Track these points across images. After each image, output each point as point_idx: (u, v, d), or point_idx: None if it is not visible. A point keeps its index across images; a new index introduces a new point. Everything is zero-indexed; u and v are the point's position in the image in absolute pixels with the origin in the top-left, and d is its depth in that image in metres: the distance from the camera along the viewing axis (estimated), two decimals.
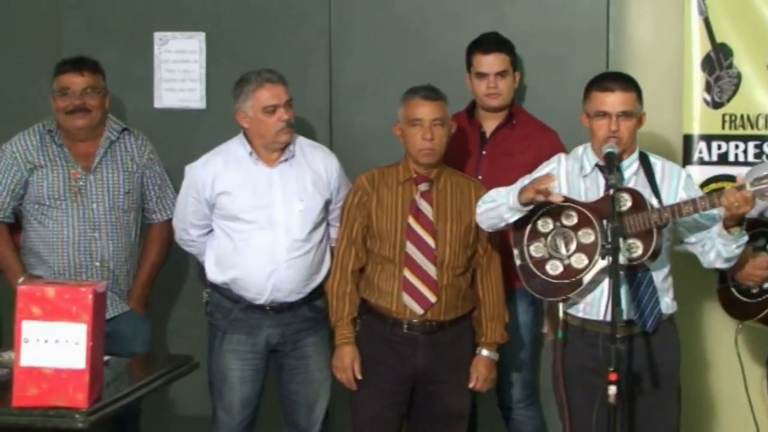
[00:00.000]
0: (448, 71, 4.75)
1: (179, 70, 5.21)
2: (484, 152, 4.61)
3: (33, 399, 3.41)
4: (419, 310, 4.18)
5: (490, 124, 4.65)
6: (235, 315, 4.43)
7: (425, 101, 4.19)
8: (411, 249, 4.19)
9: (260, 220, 4.36)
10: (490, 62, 4.58)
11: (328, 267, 4.43)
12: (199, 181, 4.43)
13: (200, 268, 4.64)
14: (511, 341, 4.46)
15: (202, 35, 5.18)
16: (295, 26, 5.13)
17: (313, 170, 4.44)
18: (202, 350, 4.51)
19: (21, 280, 4.41)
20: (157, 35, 5.22)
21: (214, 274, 4.46)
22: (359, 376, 4.25)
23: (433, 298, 4.18)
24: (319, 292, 4.45)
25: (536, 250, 4.00)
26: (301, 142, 4.52)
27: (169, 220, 4.70)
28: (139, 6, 5.26)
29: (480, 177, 4.49)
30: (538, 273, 3.99)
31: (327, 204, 4.46)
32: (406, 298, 4.18)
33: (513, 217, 3.98)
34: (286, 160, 4.42)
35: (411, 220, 4.20)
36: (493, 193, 4.06)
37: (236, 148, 4.45)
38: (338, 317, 4.27)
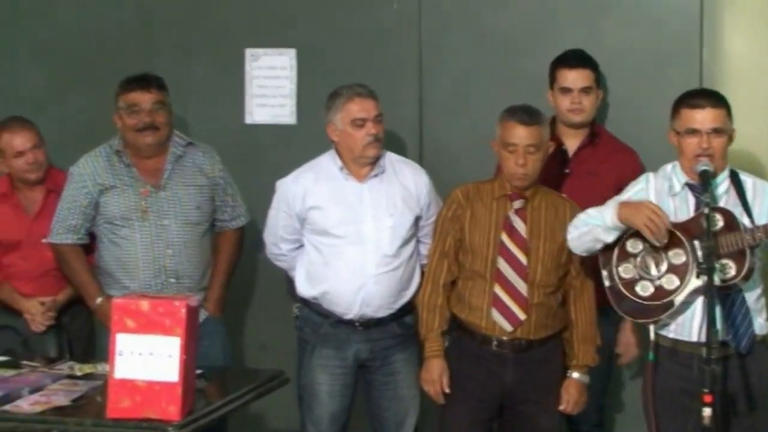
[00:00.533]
0: (537, 86, 4.73)
1: (270, 86, 5.26)
2: (567, 171, 4.60)
3: (126, 411, 3.46)
4: (508, 327, 4.17)
5: (571, 141, 4.64)
6: (325, 330, 4.47)
7: (521, 126, 4.15)
8: (503, 265, 4.17)
9: (350, 235, 4.39)
10: (575, 77, 4.58)
11: (417, 283, 4.45)
12: (290, 196, 4.48)
13: (290, 283, 4.68)
14: None
15: (293, 51, 5.23)
16: (385, 42, 5.16)
17: (404, 186, 4.46)
18: (292, 365, 4.55)
19: (98, 301, 4.54)
20: (249, 51, 5.26)
21: (304, 288, 4.50)
22: (447, 390, 4.25)
23: (522, 316, 4.16)
24: (408, 308, 4.47)
25: (625, 271, 3.97)
26: (392, 158, 4.54)
27: (241, 228, 4.79)
28: (230, 23, 5.33)
29: (564, 197, 4.47)
30: (628, 294, 3.96)
31: (417, 220, 4.47)
32: (496, 315, 4.17)
33: (611, 237, 3.95)
34: (376, 175, 4.45)
35: (504, 237, 4.19)
36: (583, 216, 4.03)
37: (327, 163, 4.49)
38: (428, 329, 4.28)
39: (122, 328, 3.45)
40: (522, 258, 4.18)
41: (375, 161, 4.45)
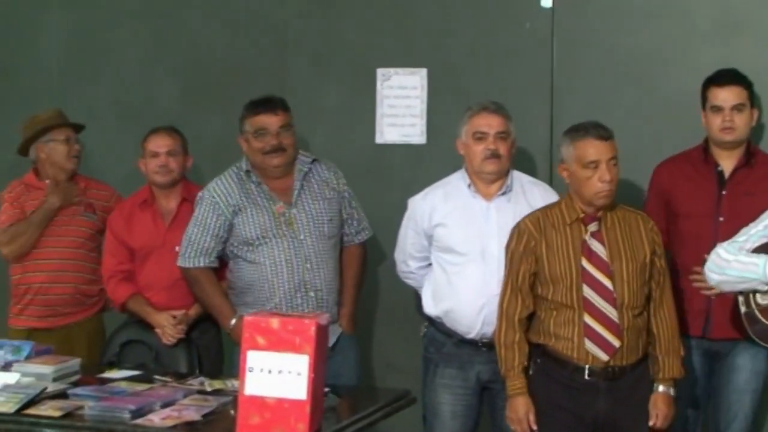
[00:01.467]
0: (672, 109, 4.73)
1: (401, 105, 5.31)
2: (724, 192, 4.54)
3: (256, 428, 3.50)
4: (604, 357, 4.08)
5: (726, 162, 4.58)
6: (448, 349, 4.49)
7: (599, 141, 4.06)
8: (588, 292, 4.09)
9: (473, 252, 4.40)
10: (726, 96, 4.52)
11: None
12: (419, 213, 4.53)
13: (418, 302, 4.72)
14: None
15: (424, 71, 5.28)
16: (517, 62, 5.17)
17: (532, 206, 4.41)
18: (417, 384, 4.58)
19: (233, 322, 4.61)
20: (380, 71, 5.33)
21: (429, 306, 4.53)
22: (535, 427, 4.17)
23: (617, 343, 4.08)
24: None
25: (763, 298, 3.97)
26: (522, 179, 4.55)
27: (365, 242, 4.86)
28: (362, 43, 5.40)
29: (721, 218, 4.46)
30: (763, 319, 3.96)
31: None
32: (590, 345, 4.08)
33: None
34: (503, 194, 4.47)
35: (584, 262, 4.11)
36: (736, 267, 3.95)
37: (457, 180, 4.52)
38: (508, 367, 4.17)
39: (253, 346, 3.50)
40: (607, 282, 4.09)
41: (498, 178, 4.46)
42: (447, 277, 4.47)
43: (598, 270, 4.10)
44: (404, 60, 5.31)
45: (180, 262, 4.72)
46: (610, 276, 4.10)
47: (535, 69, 5.14)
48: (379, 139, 5.37)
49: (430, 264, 4.58)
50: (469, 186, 4.46)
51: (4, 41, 5.99)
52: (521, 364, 4.17)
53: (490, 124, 4.41)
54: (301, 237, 4.63)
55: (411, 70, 5.31)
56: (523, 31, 5.17)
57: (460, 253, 4.43)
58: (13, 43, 5.96)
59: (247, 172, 4.69)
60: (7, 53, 5.97)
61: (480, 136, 4.40)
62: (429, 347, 4.58)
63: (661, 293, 4.21)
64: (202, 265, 4.69)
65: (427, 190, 4.59)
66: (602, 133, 4.09)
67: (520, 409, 4.17)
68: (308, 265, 4.61)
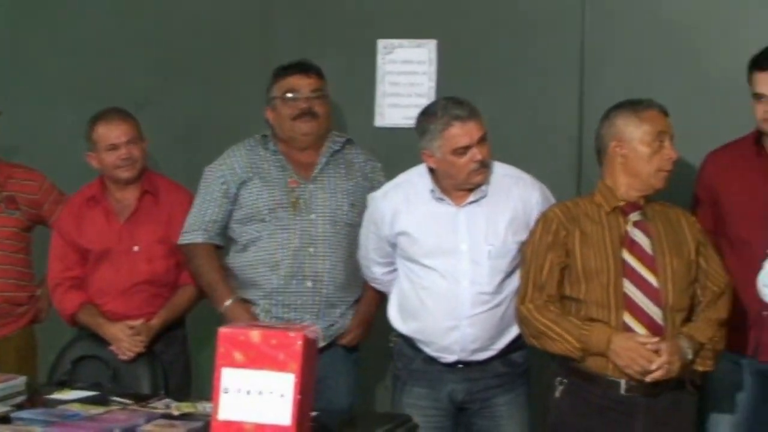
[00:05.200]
0: (725, 89, 4.65)
1: (405, 83, 5.27)
2: None
3: None
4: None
5: None
6: (417, 365, 4.47)
7: (661, 115, 4.16)
8: (630, 289, 4.06)
9: (441, 267, 4.35)
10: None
11: None
12: (379, 216, 4.49)
13: None
14: None
15: (432, 43, 5.22)
16: (541, 34, 5.11)
17: (511, 208, 4.39)
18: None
19: (227, 303, 4.63)
20: (381, 43, 5.28)
21: (397, 321, 4.51)
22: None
23: None
24: (517, 344, 4.38)
25: None
26: (498, 173, 4.45)
27: None
28: (360, 10, 5.34)
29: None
30: None
31: None
32: None
33: None
34: (476, 200, 4.40)
35: (626, 254, 4.09)
36: None
37: (418, 181, 4.47)
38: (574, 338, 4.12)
39: (229, 362, 3.39)
40: (651, 278, 4.07)
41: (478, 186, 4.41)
42: (415, 292, 4.42)
43: (642, 264, 4.08)
44: (410, 30, 5.25)
45: (179, 241, 4.76)
46: (655, 272, 4.08)
47: (564, 41, 5.07)
48: (379, 122, 5.31)
49: (396, 269, 4.54)
50: (432, 191, 4.40)
51: None
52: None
53: (471, 133, 4.31)
54: (312, 216, 4.62)
55: (418, 42, 5.24)
56: None
57: (428, 267, 4.37)
58: None
59: (264, 136, 4.72)
60: None
61: (462, 151, 4.31)
62: (397, 362, 4.56)
63: (711, 296, 4.19)
64: (200, 240, 4.71)
65: (387, 187, 4.55)
66: (660, 106, 4.15)
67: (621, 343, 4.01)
68: (311, 249, 4.60)
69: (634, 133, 4.12)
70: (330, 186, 4.66)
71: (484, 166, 4.34)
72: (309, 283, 4.58)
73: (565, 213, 4.17)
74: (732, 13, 4.89)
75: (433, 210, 4.39)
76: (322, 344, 4.47)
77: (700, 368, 4.15)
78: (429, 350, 4.40)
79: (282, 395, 3.36)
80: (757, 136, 4.50)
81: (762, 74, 4.40)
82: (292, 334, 3.38)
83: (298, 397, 3.35)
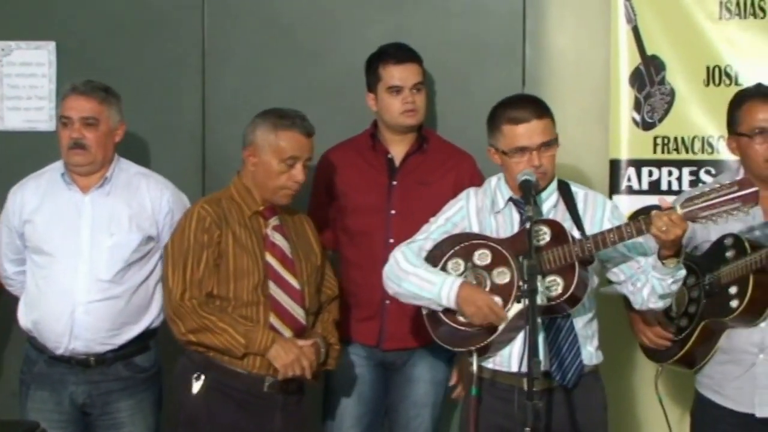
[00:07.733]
0: (341, 89, 4.75)
1: (25, 85, 5.18)
2: (394, 182, 4.58)
3: None
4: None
5: (398, 149, 4.62)
6: (40, 368, 4.43)
7: (304, 137, 4.19)
8: (275, 290, 4.15)
9: (61, 252, 4.38)
10: (405, 74, 4.55)
11: (154, 316, 4.43)
12: (11, 208, 4.49)
13: None
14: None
15: (52, 45, 5.14)
16: (164, 32, 5.11)
17: (138, 203, 4.45)
18: None
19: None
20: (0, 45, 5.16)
21: (21, 317, 4.48)
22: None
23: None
24: (140, 346, 4.42)
25: None
26: (131, 169, 4.54)
27: None
28: None
29: (393, 211, 4.51)
30: (447, 321, 3.96)
31: (150, 240, 4.45)
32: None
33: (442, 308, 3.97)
34: (101, 186, 4.43)
35: (269, 257, 4.18)
36: (414, 281, 3.99)
37: (53, 171, 4.49)
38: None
39: None
40: (293, 281, 4.19)
41: (94, 170, 4.41)
42: (35, 281, 4.41)
43: (283, 266, 4.18)
44: (28, 32, 5.16)
45: None
46: (295, 274, 4.19)
47: (185, 43, 5.10)
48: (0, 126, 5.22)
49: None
50: (63, 175, 4.42)
51: None
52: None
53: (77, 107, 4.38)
54: None
55: (36, 44, 5.16)
56: None
57: (48, 253, 4.37)
58: None
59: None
60: None
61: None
62: (23, 366, 4.50)
63: (327, 302, 4.38)
64: None
65: (23, 180, 4.54)
66: (308, 127, 4.19)
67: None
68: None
69: (267, 147, 4.16)
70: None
71: (81, 147, 4.34)
72: None
73: (216, 212, 4.15)
74: (348, 15, 5.00)
75: (59, 197, 4.41)
76: None
77: (330, 367, 4.29)
78: (49, 343, 4.33)
79: None
80: (373, 131, 4.64)
81: (397, 67, 4.55)
82: None
83: None
